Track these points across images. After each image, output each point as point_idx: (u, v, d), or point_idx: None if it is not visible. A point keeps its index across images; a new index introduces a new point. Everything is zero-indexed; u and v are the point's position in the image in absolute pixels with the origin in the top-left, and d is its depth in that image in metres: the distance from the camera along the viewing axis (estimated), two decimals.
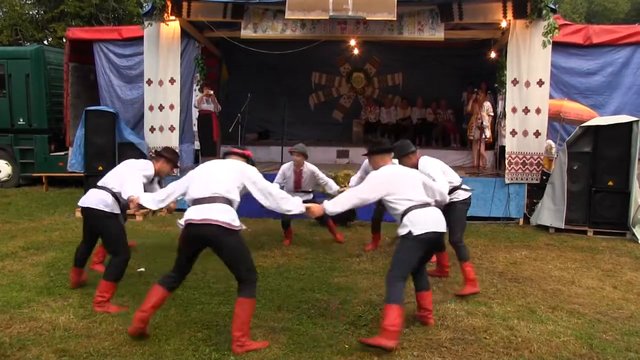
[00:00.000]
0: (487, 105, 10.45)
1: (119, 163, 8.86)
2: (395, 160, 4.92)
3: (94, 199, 5.00)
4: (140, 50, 9.77)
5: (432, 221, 4.22)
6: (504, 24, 8.99)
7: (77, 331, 4.30)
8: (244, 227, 4.17)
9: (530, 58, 8.73)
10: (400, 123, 13.27)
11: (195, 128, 10.72)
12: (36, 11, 21.26)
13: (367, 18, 8.43)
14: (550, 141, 9.36)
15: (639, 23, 20.98)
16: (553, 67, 8.99)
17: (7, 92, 11.99)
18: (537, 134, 8.83)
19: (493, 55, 10.20)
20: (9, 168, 12.37)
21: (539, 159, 8.91)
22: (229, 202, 4.04)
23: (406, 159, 5.27)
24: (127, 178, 4.94)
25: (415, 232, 4.12)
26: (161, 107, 9.32)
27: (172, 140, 9.28)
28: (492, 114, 10.53)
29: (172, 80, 9.31)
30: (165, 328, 4.39)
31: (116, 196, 5.00)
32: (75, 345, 4.03)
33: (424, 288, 4.53)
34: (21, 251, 6.73)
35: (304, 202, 4.48)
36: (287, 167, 7.42)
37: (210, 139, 10.82)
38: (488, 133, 10.32)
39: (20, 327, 4.37)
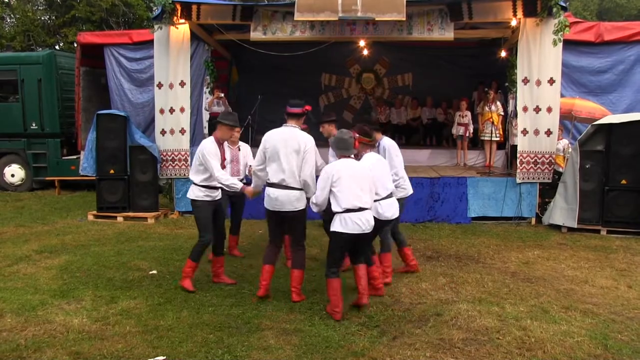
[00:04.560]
0: (498, 104, 10.42)
1: (130, 166, 9.11)
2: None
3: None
4: (151, 53, 9.83)
5: None
6: (514, 23, 8.94)
7: (91, 333, 4.34)
8: None
9: (540, 56, 8.67)
10: (411, 123, 13.25)
11: (206, 130, 10.74)
12: (48, 17, 21.46)
13: (376, 19, 8.41)
14: (566, 140, 9.31)
15: None
16: (564, 65, 8.92)
17: (20, 97, 12.11)
18: (548, 132, 8.77)
19: (503, 54, 10.14)
20: (22, 172, 12.49)
21: (550, 158, 8.84)
22: None
23: None
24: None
25: None
26: (172, 110, 9.36)
27: (183, 143, 9.32)
28: (502, 113, 10.50)
29: (182, 83, 9.36)
30: (178, 330, 4.41)
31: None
32: (89, 348, 4.07)
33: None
34: (35, 254, 6.80)
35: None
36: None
37: None
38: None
39: (35, 329, 4.42)
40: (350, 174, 4.71)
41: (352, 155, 4.89)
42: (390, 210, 5.18)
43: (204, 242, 5.45)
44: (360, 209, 4.67)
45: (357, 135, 5.04)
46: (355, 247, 4.89)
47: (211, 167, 5.26)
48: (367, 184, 4.79)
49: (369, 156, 5.18)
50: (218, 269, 5.73)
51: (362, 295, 4.93)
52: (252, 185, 5.38)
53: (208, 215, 5.47)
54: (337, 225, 4.71)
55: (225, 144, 6.12)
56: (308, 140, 5.01)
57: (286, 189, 4.93)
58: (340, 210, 4.68)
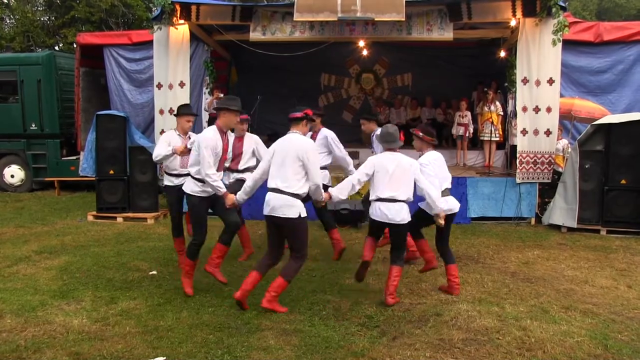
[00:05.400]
0: (497, 104, 10.43)
1: (129, 167, 9.10)
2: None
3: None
4: (150, 54, 9.83)
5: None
6: (513, 23, 8.94)
7: (91, 334, 4.34)
8: None
9: (540, 56, 8.67)
10: (410, 123, 13.23)
11: None
12: (47, 17, 21.47)
13: (376, 19, 8.41)
14: (566, 140, 9.32)
15: None
16: (563, 65, 8.92)
17: (20, 97, 12.10)
18: (548, 133, 8.77)
19: (503, 54, 10.15)
20: (22, 173, 12.48)
21: (550, 158, 8.85)
22: None
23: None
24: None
25: None
26: (171, 111, 9.34)
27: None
28: (502, 113, 10.50)
29: (181, 84, 9.36)
30: (178, 331, 4.41)
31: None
32: (89, 348, 4.06)
33: None
34: (35, 255, 6.80)
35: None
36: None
37: None
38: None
39: (34, 330, 4.42)
40: (392, 167, 4.99)
41: (398, 149, 5.19)
42: (446, 204, 5.32)
43: (197, 243, 5.21)
44: (393, 200, 4.94)
45: (421, 134, 5.48)
46: (391, 237, 5.30)
47: (203, 163, 4.89)
48: (406, 178, 5.02)
49: (430, 154, 5.47)
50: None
51: (386, 295, 5.05)
52: (242, 189, 5.10)
53: (202, 212, 5.16)
54: (370, 211, 5.17)
55: (176, 133, 6.07)
56: (308, 145, 4.85)
57: (280, 193, 4.75)
58: (374, 198, 5.05)
